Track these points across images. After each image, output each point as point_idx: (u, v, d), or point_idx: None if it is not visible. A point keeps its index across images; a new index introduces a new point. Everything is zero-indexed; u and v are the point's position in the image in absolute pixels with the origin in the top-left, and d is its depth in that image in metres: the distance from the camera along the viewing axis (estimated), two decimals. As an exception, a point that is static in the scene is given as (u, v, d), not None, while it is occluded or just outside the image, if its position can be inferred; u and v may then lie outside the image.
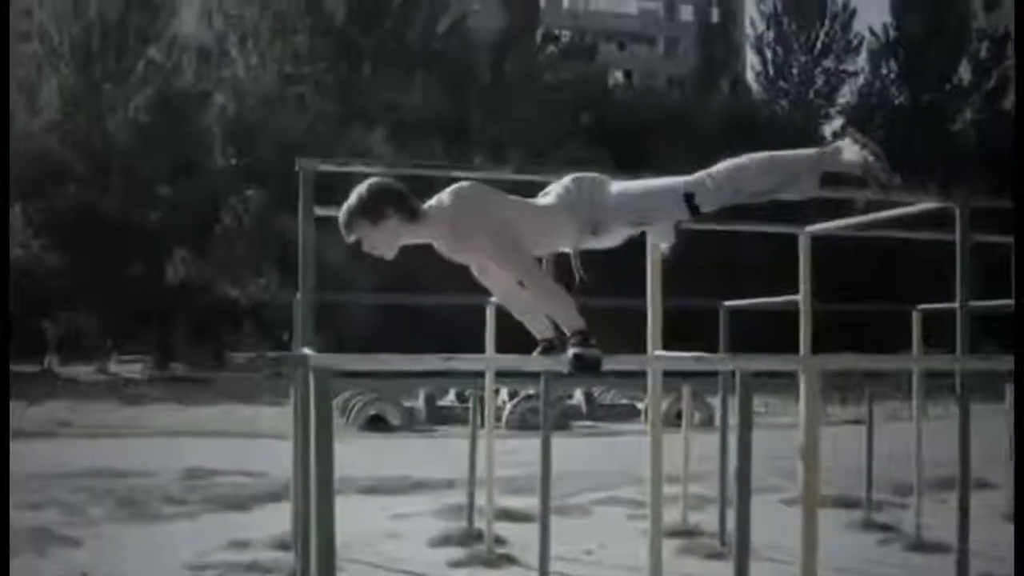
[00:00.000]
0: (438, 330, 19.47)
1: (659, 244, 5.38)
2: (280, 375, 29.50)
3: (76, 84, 43.07)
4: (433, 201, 4.42)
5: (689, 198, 4.40)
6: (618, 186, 4.56)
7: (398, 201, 4.35)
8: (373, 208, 4.33)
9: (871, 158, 4.28)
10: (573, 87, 51.23)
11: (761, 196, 4.48)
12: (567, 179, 4.59)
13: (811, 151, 4.47)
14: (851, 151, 4.35)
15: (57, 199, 40.01)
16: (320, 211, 6.24)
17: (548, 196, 4.59)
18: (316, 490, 3.67)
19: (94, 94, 43.68)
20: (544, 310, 4.48)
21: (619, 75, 72.91)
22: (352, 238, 4.38)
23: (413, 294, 22.90)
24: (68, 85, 42.82)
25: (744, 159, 4.45)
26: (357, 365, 3.91)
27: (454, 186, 4.42)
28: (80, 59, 43.55)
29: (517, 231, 4.33)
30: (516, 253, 4.29)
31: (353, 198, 4.37)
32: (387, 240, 4.38)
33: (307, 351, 4.45)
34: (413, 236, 4.40)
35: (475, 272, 4.69)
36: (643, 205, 4.49)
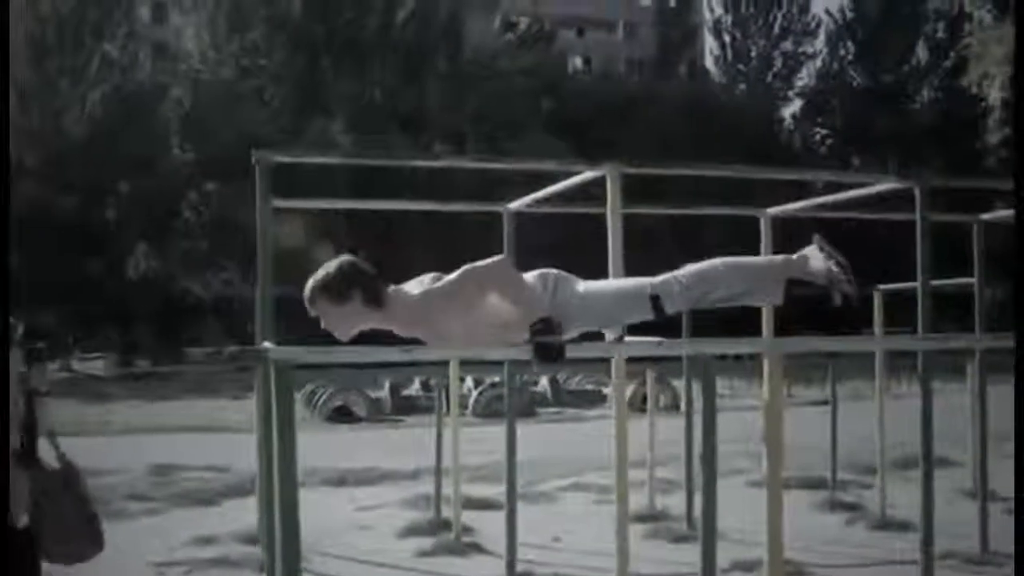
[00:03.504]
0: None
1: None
2: (244, 369, 29.37)
3: (30, 80, 42.61)
4: (396, 289, 4.39)
5: (655, 300, 4.39)
6: (584, 287, 4.52)
7: (365, 285, 4.33)
8: (338, 288, 4.31)
9: (835, 269, 4.32)
10: (532, 74, 51.15)
11: (727, 301, 4.48)
12: (532, 275, 4.54)
13: (778, 258, 4.50)
14: (817, 260, 4.40)
15: (14, 196, 39.59)
16: (279, 203, 6.20)
17: None
18: (280, 483, 3.65)
19: (49, 90, 43.26)
20: (509, 301, 4.45)
21: (578, 61, 72.94)
22: (313, 312, 4.35)
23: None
24: (22, 81, 42.35)
25: (713, 263, 4.46)
26: (316, 358, 3.89)
27: (417, 279, 4.41)
28: (34, 54, 43.09)
29: (478, 315, 4.32)
30: (481, 274, 4.26)
31: (320, 274, 4.34)
32: (346, 321, 4.36)
33: (267, 344, 4.41)
34: (374, 320, 4.38)
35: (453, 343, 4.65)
36: (609, 310, 4.48)
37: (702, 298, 4.43)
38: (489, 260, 4.32)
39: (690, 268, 4.44)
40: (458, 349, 4.68)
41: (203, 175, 42.62)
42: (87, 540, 4.96)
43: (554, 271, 4.66)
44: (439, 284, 4.33)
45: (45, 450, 4.85)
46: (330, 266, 4.36)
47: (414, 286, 4.43)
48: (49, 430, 4.92)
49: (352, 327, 4.39)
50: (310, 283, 4.34)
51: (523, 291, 4.30)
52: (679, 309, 4.44)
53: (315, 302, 4.35)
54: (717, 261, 4.46)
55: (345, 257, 4.44)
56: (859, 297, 4.37)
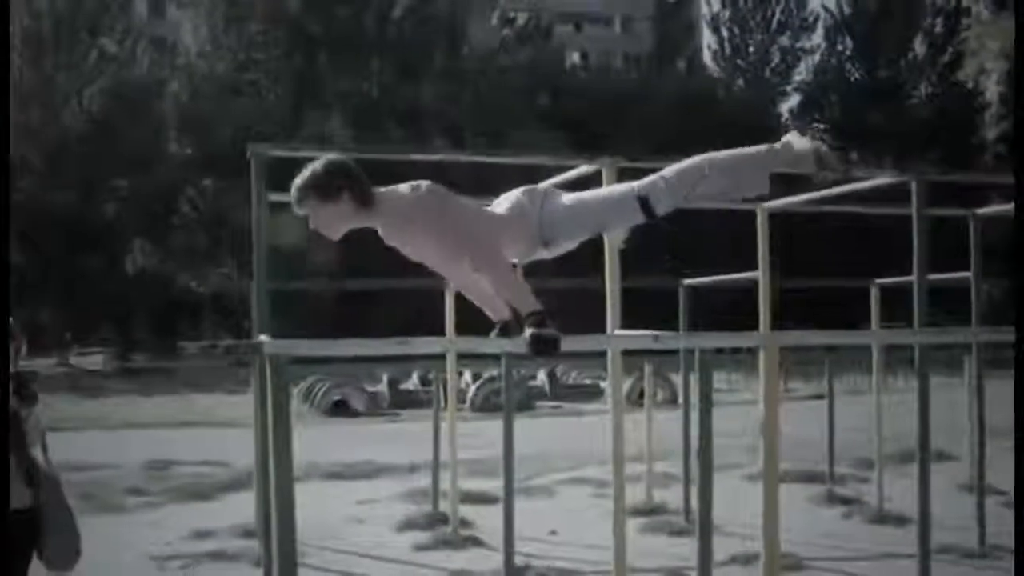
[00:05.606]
0: (414, 314, 19.44)
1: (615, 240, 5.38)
2: (242, 363, 29.41)
3: (28, 75, 42.54)
4: (386, 189, 4.36)
5: (643, 201, 4.36)
6: (570, 197, 4.48)
7: (353, 181, 4.27)
8: (327, 185, 4.24)
9: (823, 148, 4.29)
10: (530, 69, 51.12)
11: (715, 197, 4.45)
12: (518, 191, 4.52)
13: (762, 147, 4.44)
14: (800, 143, 4.35)
15: (12, 192, 39.53)
16: (275, 197, 6.19)
17: (499, 207, 4.53)
18: (276, 477, 3.65)
19: (47, 85, 43.21)
20: (500, 294, 4.44)
21: (576, 56, 72.89)
22: (301, 212, 4.31)
23: (372, 279, 22.83)
24: (20, 77, 42.29)
25: (696, 159, 4.41)
26: (312, 351, 3.88)
27: (412, 182, 4.35)
28: (32, 50, 43.04)
29: (473, 224, 4.29)
30: (473, 240, 4.24)
31: (307, 172, 4.27)
32: (335, 220, 4.30)
33: (263, 338, 4.40)
34: (363, 220, 4.32)
35: (429, 263, 4.62)
36: (598, 215, 4.44)
37: (689, 194, 4.39)
38: (484, 245, 4.28)
39: (674, 166, 4.40)
40: (435, 268, 4.60)
41: (200, 170, 42.57)
42: (74, 547, 5.13)
43: (541, 186, 4.66)
44: (435, 208, 4.28)
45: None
46: (316, 164, 4.28)
47: (406, 188, 4.37)
48: (43, 444, 5.16)
49: (341, 225, 4.33)
50: (298, 181, 4.26)
51: (512, 284, 4.26)
52: (668, 208, 4.38)
53: (304, 200, 4.27)
54: (702, 157, 4.40)
55: (333, 155, 4.40)
56: (851, 163, 4.33)
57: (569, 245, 4.54)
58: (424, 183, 4.32)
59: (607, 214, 4.46)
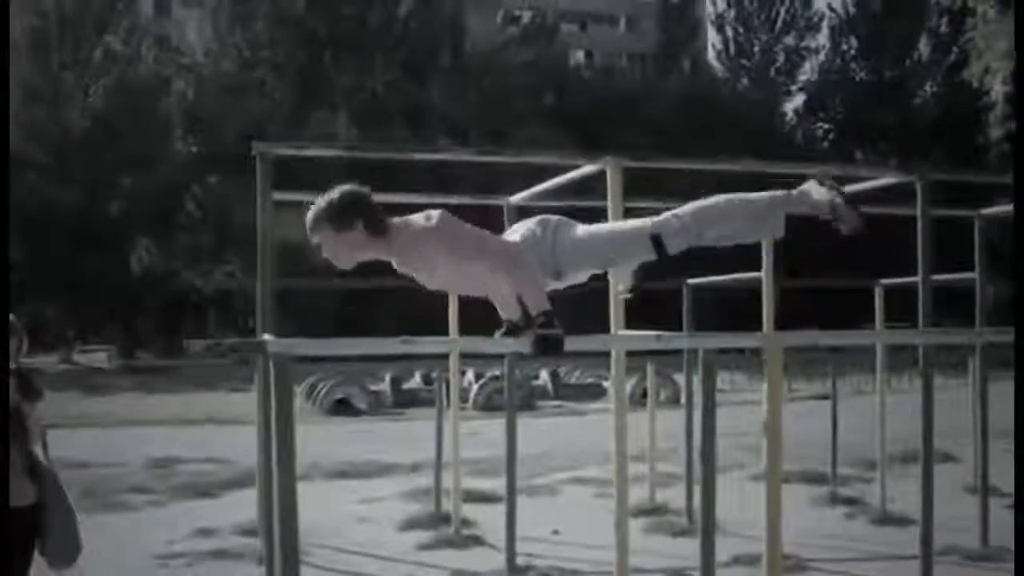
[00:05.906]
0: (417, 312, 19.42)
1: (619, 285, 5.39)
2: (245, 362, 29.40)
3: (33, 73, 42.53)
4: (400, 220, 4.36)
5: (656, 239, 4.36)
6: (583, 229, 4.49)
7: (367, 212, 4.29)
8: (341, 215, 4.27)
9: (838, 199, 4.30)
10: (535, 68, 51.12)
11: (729, 239, 4.45)
12: (532, 221, 4.52)
13: (778, 193, 4.45)
14: (818, 192, 4.37)
15: (16, 189, 39.51)
16: (279, 195, 6.18)
17: (513, 236, 4.53)
18: (278, 475, 3.65)
19: (52, 83, 43.21)
20: (517, 290, 4.42)
21: (580, 55, 72.87)
22: (315, 240, 4.32)
23: (376, 277, 22.79)
24: (25, 75, 42.29)
25: (712, 200, 4.42)
26: (315, 350, 3.88)
27: (424, 212, 4.36)
28: (37, 48, 43.03)
29: (489, 237, 4.31)
30: (491, 247, 4.25)
31: (323, 202, 4.30)
32: (348, 250, 4.32)
33: (267, 337, 4.40)
34: (376, 250, 4.34)
35: (445, 286, 4.62)
36: (609, 250, 4.45)
37: (702, 235, 4.39)
38: (506, 246, 4.29)
39: (689, 206, 4.40)
40: (448, 287, 4.61)
41: (206, 168, 42.56)
42: (75, 543, 5.17)
43: (555, 216, 4.63)
44: (453, 230, 4.28)
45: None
46: (332, 194, 4.31)
47: (420, 219, 4.38)
48: (44, 441, 5.22)
49: (353, 256, 4.35)
50: (312, 210, 4.30)
51: (531, 280, 4.26)
52: (680, 247, 4.39)
53: (317, 229, 4.30)
54: (718, 198, 4.42)
55: (347, 185, 4.41)
56: (863, 228, 4.33)
57: (579, 277, 4.55)
58: (435, 212, 4.34)
59: (618, 249, 4.47)
